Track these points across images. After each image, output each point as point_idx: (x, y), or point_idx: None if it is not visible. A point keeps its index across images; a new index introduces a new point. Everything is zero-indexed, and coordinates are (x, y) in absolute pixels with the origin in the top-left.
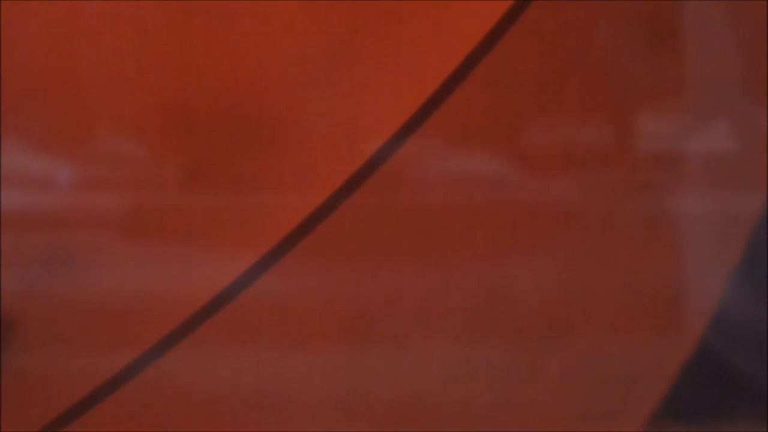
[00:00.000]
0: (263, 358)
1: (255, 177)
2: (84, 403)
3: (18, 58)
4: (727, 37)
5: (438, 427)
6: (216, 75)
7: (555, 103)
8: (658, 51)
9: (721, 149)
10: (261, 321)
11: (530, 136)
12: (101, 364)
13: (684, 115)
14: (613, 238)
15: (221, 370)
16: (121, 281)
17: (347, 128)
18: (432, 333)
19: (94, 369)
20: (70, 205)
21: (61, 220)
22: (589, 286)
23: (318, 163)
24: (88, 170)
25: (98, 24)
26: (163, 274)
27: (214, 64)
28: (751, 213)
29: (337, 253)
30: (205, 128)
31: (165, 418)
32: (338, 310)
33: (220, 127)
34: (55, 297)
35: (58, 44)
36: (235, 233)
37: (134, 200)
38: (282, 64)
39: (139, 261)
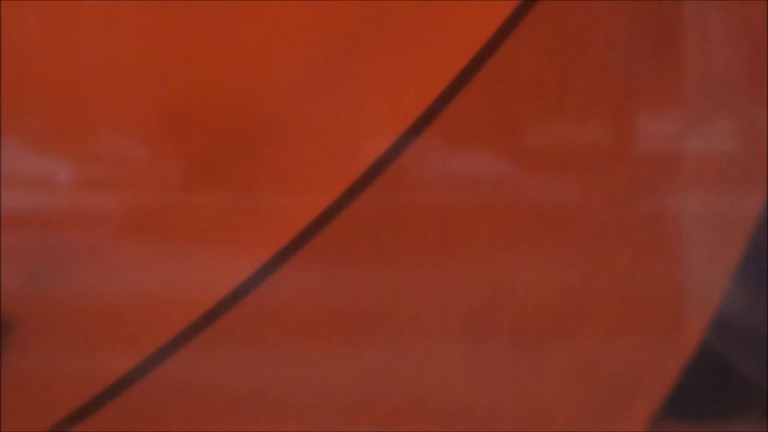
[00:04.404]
0: (268, 360)
1: (258, 179)
2: (87, 407)
3: (18, 58)
4: (728, 37)
5: (438, 428)
6: (218, 75)
7: (557, 104)
8: (659, 51)
9: (721, 149)
10: (266, 323)
11: (533, 137)
12: (104, 367)
13: (684, 115)
14: (614, 238)
15: (226, 372)
16: (123, 282)
17: (352, 130)
18: (436, 333)
19: (97, 372)
20: (70, 205)
21: (61, 220)
22: (589, 286)
23: (323, 165)
24: (88, 170)
25: (98, 24)
26: (167, 276)
27: (215, 64)
28: (752, 213)
29: (343, 255)
30: (207, 129)
31: (168, 421)
32: (344, 313)
33: (223, 128)
34: (55, 298)
35: (58, 44)
36: (238, 236)
37: (135, 200)
38: (285, 65)
39: (141, 262)
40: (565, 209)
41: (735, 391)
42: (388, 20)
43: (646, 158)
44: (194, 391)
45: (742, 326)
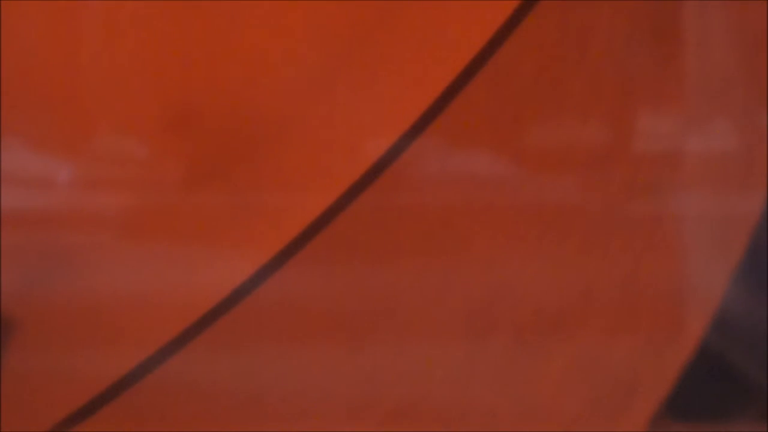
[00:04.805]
0: (269, 360)
1: (259, 179)
2: (87, 407)
3: (18, 58)
4: (728, 37)
5: (438, 428)
6: (218, 76)
7: (557, 104)
8: (659, 51)
9: (721, 149)
10: (266, 324)
11: (534, 138)
12: (104, 367)
13: (684, 115)
14: (614, 238)
15: (227, 373)
16: (123, 283)
17: (352, 130)
18: (436, 333)
19: (97, 372)
20: (70, 205)
21: (61, 220)
22: (589, 286)
23: (323, 165)
24: (88, 170)
25: (98, 24)
26: (167, 276)
27: (216, 65)
28: (752, 213)
29: (344, 255)
30: (207, 129)
31: (168, 421)
32: (344, 313)
33: (223, 129)
34: (55, 298)
35: (58, 44)
36: (239, 236)
37: (135, 201)
38: (285, 66)
39: (141, 262)
40: (565, 209)
41: (735, 391)
42: (388, 21)
43: (646, 158)
44: (195, 392)
45: (742, 326)
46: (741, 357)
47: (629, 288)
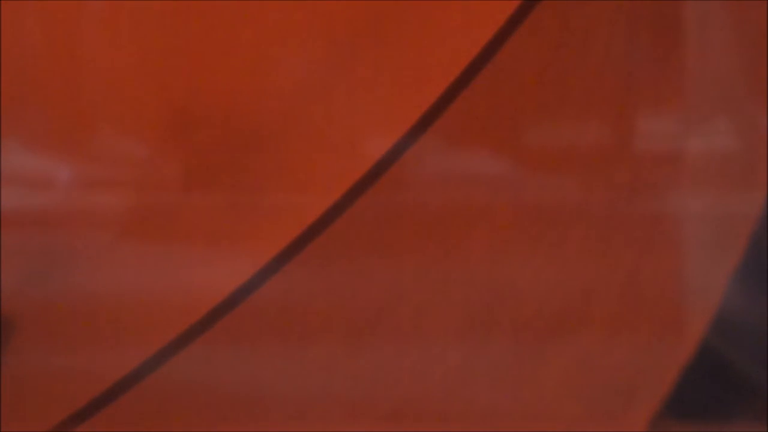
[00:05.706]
0: (269, 360)
1: (260, 180)
2: (87, 407)
3: (18, 58)
4: (728, 37)
5: (439, 427)
6: (219, 76)
7: (558, 104)
8: (659, 51)
9: (721, 149)
10: (267, 324)
11: (534, 138)
12: (104, 368)
13: (684, 115)
14: (614, 238)
15: (228, 373)
16: (123, 283)
17: (353, 131)
18: (436, 333)
19: (97, 372)
20: (70, 205)
21: (61, 220)
22: (590, 286)
23: (324, 166)
24: (89, 170)
25: (98, 24)
26: (168, 277)
27: (216, 65)
28: (752, 213)
29: (344, 255)
30: (208, 130)
31: (169, 422)
32: (345, 313)
33: (224, 129)
34: (55, 298)
35: (58, 44)
36: (239, 236)
37: (136, 201)
38: (287, 66)
39: (141, 262)
40: (566, 209)
41: (735, 391)
42: (390, 21)
43: (646, 158)
44: (195, 392)
45: (742, 326)
46: (741, 357)
47: (629, 288)
